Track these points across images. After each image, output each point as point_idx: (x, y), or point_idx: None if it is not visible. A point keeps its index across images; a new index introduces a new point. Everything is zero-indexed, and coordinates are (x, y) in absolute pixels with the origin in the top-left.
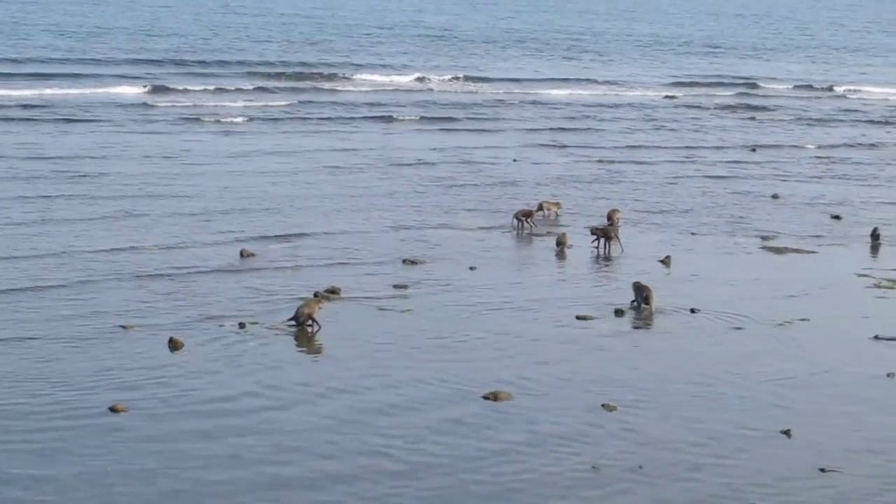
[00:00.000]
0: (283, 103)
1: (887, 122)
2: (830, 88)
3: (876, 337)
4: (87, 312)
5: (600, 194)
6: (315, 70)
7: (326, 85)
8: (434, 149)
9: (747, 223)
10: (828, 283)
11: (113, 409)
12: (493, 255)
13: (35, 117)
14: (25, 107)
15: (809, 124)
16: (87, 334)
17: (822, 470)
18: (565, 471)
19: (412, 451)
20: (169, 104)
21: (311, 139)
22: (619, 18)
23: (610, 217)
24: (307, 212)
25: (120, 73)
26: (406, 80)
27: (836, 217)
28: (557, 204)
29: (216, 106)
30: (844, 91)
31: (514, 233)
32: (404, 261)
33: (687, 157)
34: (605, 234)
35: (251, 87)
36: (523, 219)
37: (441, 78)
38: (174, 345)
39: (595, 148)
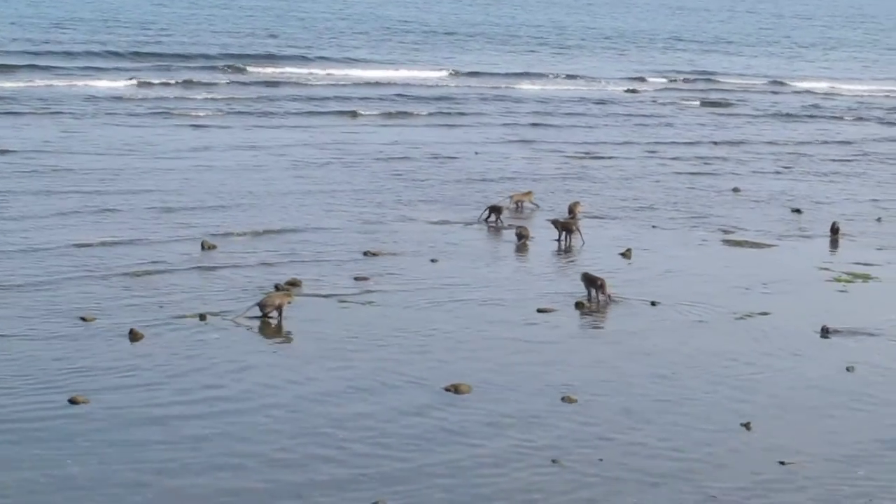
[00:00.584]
0: (247, 97)
1: (848, 118)
2: (792, 83)
3: (823, 329)
4: (46, 305)
5: (562, 188)
6: (277, 64)
7: (291, 78)
8: (397, 143)
9: (708, 217)
10: (788, 276)
11: (73, 402)
12: (455, 248)
13: None
14: None
15: (771, 119)
16: (47, 327)
17: (782, 463)
18: (525, 464)
19: (372, 444)
20: (130, 97)
21: (275, 133)
22: (582, 13)
23: (571, 210)
24: (269, 205)
25: (81, 65)
26: (370, 73)
27: (797, 211)
28: (529, 193)
29: (178, 99)
30: (807, 86)
31: (487, 225)
32: (365, 253)
33: (648, 152)
34: (565, 227)
35: (214, 81)
36: (495, 213)
37: (406, 72)
38: (134, 336)
39: (557, 142)
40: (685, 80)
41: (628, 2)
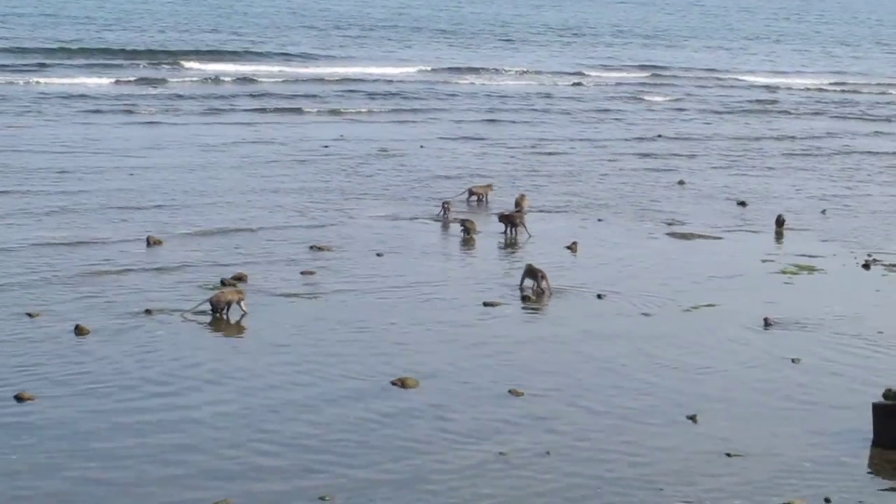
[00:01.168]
0: (193, 94)
1: (794, 112)
2: (739, 77)
3: (765, 321)
4: None
5: (509, 181)
6: (224, 61)
7: (237, 75)
8: (343, 138)
9: (654, 210)
10: (734, 268)
11: (19, 398)
12: (401, 242)
13: None
14: None
15: (717, 112)
16: None
17: (728, 455)
18: (473, 457)
19: (318, 439)
20: (77, 94)
21: (222, 129)
22: (525, 6)
23: (518, 203)
24: (216, 201)
25: (26, 62)
26: (316, 70)
27: (742, 204)
28: (489, 186)
29: (125, 95)
30: (754, 80)
31: (440, 220)
32: (311, 247)
33: (594, 145)
34: (511, 220)
35: (161, 77)
36: (447, 206)
37: (352, 68)
38: (80, 331)
39: (504, 136)
40: (630, 73)
41: None
